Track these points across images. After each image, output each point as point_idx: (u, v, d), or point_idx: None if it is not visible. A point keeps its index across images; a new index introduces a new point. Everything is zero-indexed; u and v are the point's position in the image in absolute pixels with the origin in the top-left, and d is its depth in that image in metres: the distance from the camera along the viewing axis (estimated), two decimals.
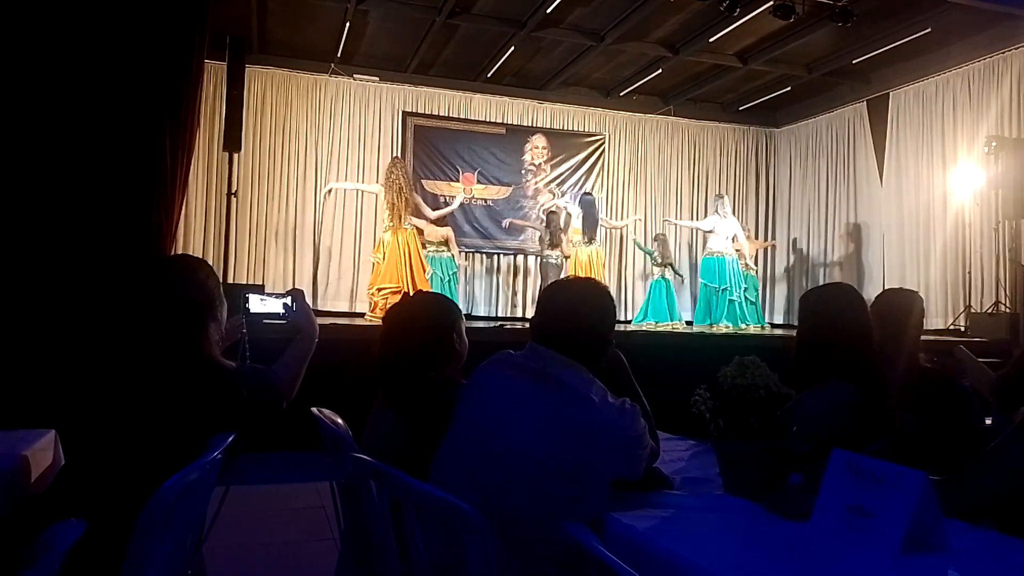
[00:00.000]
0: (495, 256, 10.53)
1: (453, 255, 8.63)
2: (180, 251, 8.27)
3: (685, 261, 10.84)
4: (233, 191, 7.15)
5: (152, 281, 1.89)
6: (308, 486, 3.78)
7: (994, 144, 7.52)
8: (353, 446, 1.89)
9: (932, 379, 2.57)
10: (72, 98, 5.04)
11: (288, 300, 2.15)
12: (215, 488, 1.82)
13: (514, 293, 10.55)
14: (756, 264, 11.18)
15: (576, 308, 1.77)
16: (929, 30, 7.89)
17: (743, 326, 8.76)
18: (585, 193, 9.85)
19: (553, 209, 9.20)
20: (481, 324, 8.23)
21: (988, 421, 2.52)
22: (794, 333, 2.35)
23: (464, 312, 8.02)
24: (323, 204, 9.61)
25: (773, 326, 10.97)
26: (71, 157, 5.00)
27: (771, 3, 7.11)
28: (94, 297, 4.11)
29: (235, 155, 7.16)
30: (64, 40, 5.03)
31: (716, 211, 9.11)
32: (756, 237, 10.74)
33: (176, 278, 1.88)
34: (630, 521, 1.52)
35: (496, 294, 10.50)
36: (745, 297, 9.10)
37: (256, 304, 2.14)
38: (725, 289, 8.74)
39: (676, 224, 10.22)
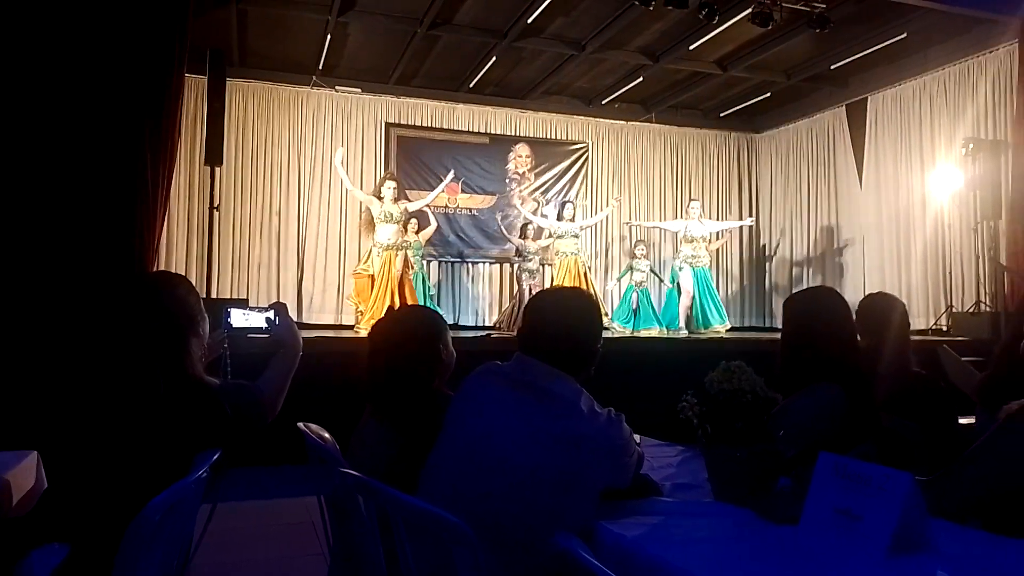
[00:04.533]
0: (480, 265, 10.53)
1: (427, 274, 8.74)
2: (163, 266, 8.20)
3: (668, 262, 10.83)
4: (216, 205, 7.11)
5: (132, 299, 1.87)
6: (296, 501, 3.75)
7: (971, 146, 7.62)
8: (340, 460, 1.87)
9: (921, 384, 2.60)
10: (51, 114, 5.01)
11: (271, 314, 2.14)
12: (201, 506, 1.80)
13: (499, 302, 10.54)
14: (742, 265, 11.28)
15: (562, 319, 1.77)
16: (905, 35, 8.00)
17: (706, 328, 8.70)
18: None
19: (524, 222, 9.19)
20: (467, 334, 8.21)
21: (965, 420, 2.54)
22: (777, 336, 2.37)
23: (451, 322, 7.99)
24: (307, 216, 9.58)
25: (758, 329, 11.03)
26: (51, 173, 4.96)
27: (749, 11, 7.18)
28: (76, 315, 4.07)
29: (217, 169, 7.12)
30: (44, 56, 5.00)
31: (687, 215, 9.06)
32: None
33: (156, 295, 1.87)
34: (620, 529, 1.52)
35: (481, 303, 10.49)
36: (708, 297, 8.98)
37: (238, 318, 2.12)
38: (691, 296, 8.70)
39: (639, 226, 10.13)
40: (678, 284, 8.88)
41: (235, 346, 2.20)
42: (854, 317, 2.41)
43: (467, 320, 10.25)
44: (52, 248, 4.81)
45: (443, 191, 9.39)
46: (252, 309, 2.17)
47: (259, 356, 2.09)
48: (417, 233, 8.72)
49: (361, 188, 9.62)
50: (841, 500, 1.43)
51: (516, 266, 9.28)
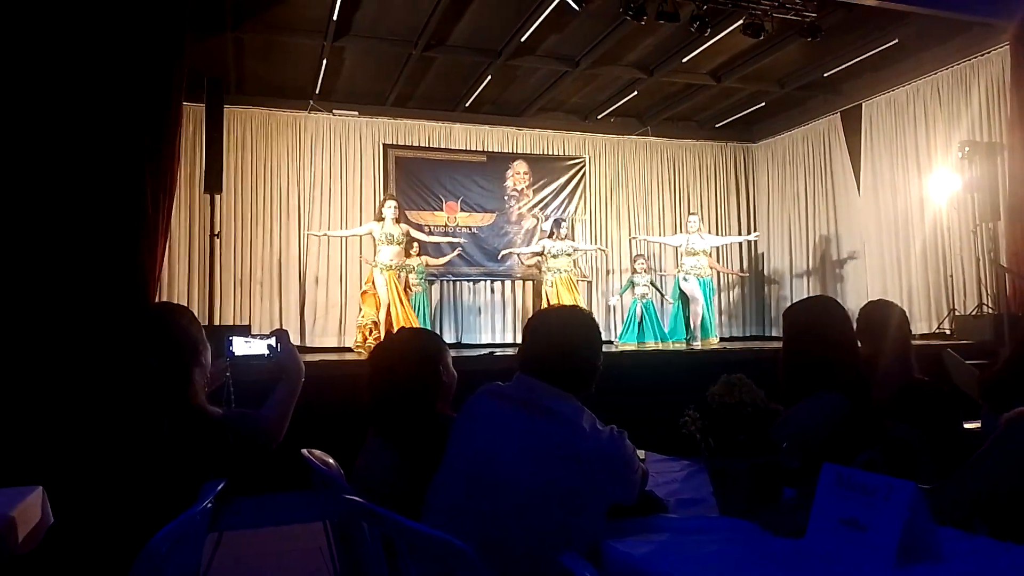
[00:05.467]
0: (482, 283, 10.54)
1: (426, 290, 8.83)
2: (165, 294, 8.25)
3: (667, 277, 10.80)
4: (216, 232, 7.13)
5: (134, 332, 1.88)
6: (302, 527, 3.73)
7: (967, 149, 7.63)
8: (344, 486, 1.87)
9: (924, 390, 2.59)
10: (51, 145, 5.05)
11: (272, 341, 2.15)
12: (209, 534, 1.80)
13: (503, 319, 10.54)
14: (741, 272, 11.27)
15: (561, 337, 1.78)
16: (896, 41, 8.04)
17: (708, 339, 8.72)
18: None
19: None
20: (470, 352, 8.21)
21: (970, 425, 2.53)
22: (779, 345, 2.37)
23: (454, 340, 8.00)
24: (307, 240, 9.61)
25: (759, 339, 11.00)
26: (51, 205, 4.99)
27: (740, 22, 7.23)
28: (79, 349, 4.08)
29: (217, 196, 7.15)
30: (42, 88, 5.05)
31: (687, 229, 9.17)
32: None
33: (158, 327, 1.88)
34: (626, 548, 1.52)
35: (484, 321, 10.48)
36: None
37: (241, 346, 2.13)
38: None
39: (644, 240, 10.22)
40: (682, 294, 8.90)
41: (238, 374, 2.21)
42: (854, 325, 2.41)
43: (470, 339, 10.25)
44: (54, 281, 4.83)
45: (443, 211, 9.68)
46: (254, 337, 2.18)
47: (262, 383, 2.10)
48: (419, 255, 8.79)
49: (360, 210, 9.73)
50: (846, 511, 1.43)
51: (536, 281, 9.45)
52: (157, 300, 6.01)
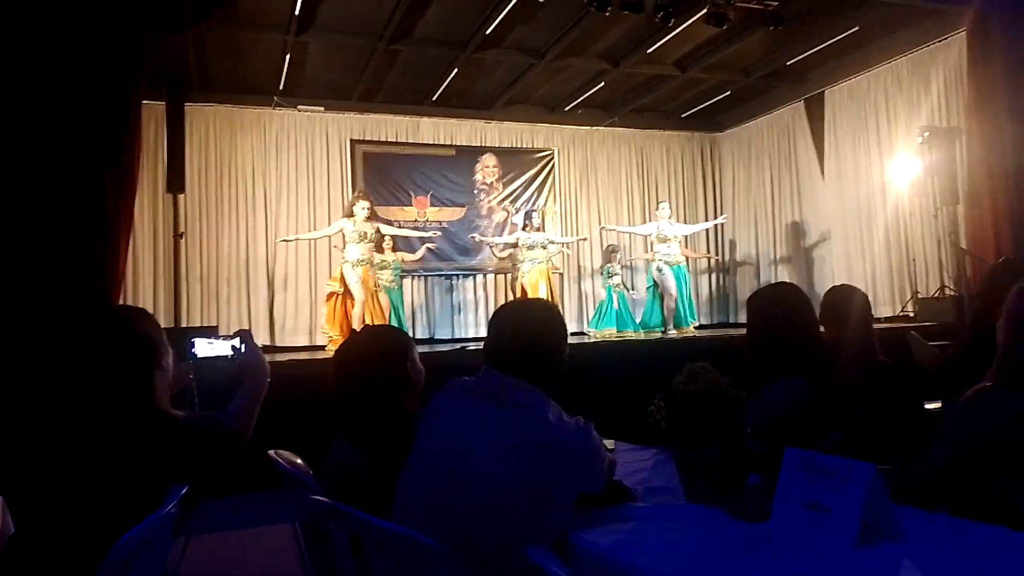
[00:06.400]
0: (453, 278, 10.51)
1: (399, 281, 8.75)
2: (130, 297, 8.10)
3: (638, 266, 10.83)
4: (180, 232, 7.01)
5: (92, 338, 1.84)
6: (272, 528, 3.69)
7: (927, 134, 7.77)
8: (312, 486, 1.86)
9: (887, 371, 2.64)
10: (6, 146, 4.92)
11: (236, 341, 2.13)
12: (176, 539, 1.78)
13: (475, 314, 10.52)
14: (708, 262, 11.38)
15: (526, 330, 1.78)
16: (857, 28, 8.15)
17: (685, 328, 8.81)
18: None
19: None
20: (443, 348, 8.19)
21: (931, 406, 2.58)
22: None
23: (427, 336, 7.97)
24: (275, 239, 9.48)
25: (727, 326, 11.12)
26: (7, 207, 4.87)
27: (704, 11, 7.27)
28: (40, 354, 3.99)
29: (180, 196, 7.03)
30: None
31: (656, 217, 9.21)
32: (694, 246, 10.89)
33: (115, 333, 1.84)
34: (593, 537, 1.52)
35: (456, 315, 10.45)
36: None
37: (203, 348, 2.11)
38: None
39: (613, 231, 10.23)
40: (656, 285, 8.95)
41: (202, 376, 2.19)
42: (817, 310, 2.45)
43: (444, 333, 10.21)
44: (12, 285, 4.72)
45: (412, 206, 9.68)
46: (217, 338, 2.16)
47: (226, 384, 2.07)
48: (395, 251, 8.73)
49: (328, 207, 9.64)
50: (808, 494, 1.44)
51: (510, 275, 9.50)
52: (121, 303, 5.91)
